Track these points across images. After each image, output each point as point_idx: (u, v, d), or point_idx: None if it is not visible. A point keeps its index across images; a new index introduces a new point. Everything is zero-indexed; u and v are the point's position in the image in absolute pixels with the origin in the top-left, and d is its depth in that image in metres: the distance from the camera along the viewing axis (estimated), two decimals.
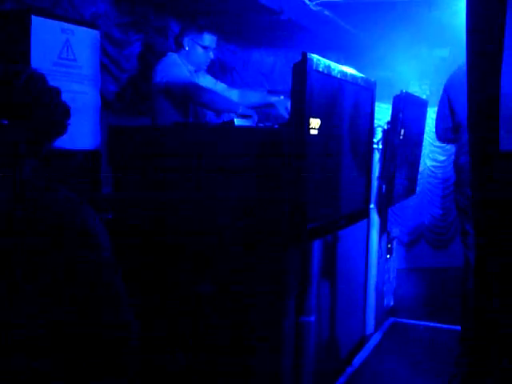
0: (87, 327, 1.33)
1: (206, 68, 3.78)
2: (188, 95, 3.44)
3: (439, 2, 4.71)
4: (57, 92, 1.44)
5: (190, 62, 3.68)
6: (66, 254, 1.31)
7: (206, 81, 3.84)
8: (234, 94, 3.83)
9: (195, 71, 3.73)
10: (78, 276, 1.32)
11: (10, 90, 1.34)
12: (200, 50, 3.65)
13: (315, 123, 2.35)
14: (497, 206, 1.23)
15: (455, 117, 3.55)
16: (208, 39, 3.65)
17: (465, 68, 1.44)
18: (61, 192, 1.39)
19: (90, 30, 2.52)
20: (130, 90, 3.75)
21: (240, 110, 3.30)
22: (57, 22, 2.32)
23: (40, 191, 1.36)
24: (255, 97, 3.65)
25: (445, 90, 3.62)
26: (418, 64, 5.90)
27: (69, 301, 1.31)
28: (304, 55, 2.24)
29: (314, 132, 2.35)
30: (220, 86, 3.90)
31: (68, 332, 1.31)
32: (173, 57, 3.65)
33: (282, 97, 3.56)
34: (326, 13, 4.80)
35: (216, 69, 4.57)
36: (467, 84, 1.34)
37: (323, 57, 2.36)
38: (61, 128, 1.44)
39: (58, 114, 1.43)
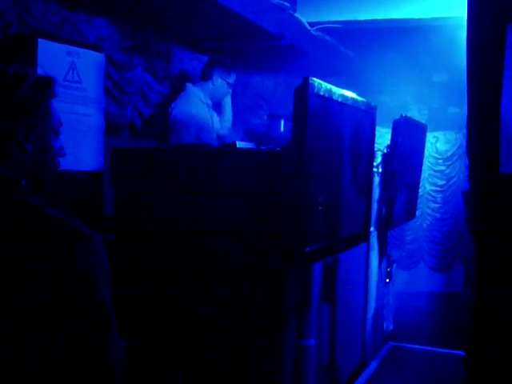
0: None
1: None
2: None
3: (436, 30, 4.78)
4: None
5: (211, 95, 3.90)
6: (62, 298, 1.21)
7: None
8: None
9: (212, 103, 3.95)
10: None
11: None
12: (225, 87, 3.91)
13: None
14: (497, 228, 1.24)
15: None
16: (233, 77, 3.93)
17: None
18: (75, 225, 1.27)
19: (94, 52, 2.56)
20: (134, 114, 3.80)
21: None
22: (62, 45, 2.35)
23: (50, 221, 1.25)
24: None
25: None
26: (417, 89, 5.94)
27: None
28: (305, 79, 2.27)
29: None
30: (216, 121, 4.04)
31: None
32: (188, 91, 3.84)
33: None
34: (327, 38, 4.86)
35: None
36: (467, 107, 1.35)
37: (324, 81, 2.39)
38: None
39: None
